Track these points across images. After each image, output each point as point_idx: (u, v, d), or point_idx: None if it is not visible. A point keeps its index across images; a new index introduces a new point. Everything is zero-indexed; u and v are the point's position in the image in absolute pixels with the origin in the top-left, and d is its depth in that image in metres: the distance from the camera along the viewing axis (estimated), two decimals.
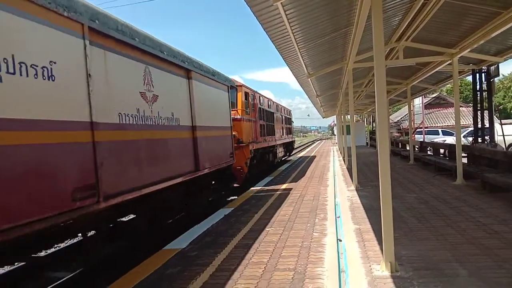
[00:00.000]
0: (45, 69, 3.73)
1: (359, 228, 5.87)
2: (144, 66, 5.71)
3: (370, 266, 4.23)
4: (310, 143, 61.62)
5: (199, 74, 7.96)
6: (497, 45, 9.87)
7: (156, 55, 6.05)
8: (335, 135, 52.67)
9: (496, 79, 14.51)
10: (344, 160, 17.79)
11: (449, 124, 33.38)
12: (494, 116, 14.88)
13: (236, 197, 10.66)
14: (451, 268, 4.00)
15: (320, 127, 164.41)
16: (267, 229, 6.20)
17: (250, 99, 14.02)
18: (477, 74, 13.68)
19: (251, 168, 13.40)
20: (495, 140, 13.89)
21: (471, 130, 17.72)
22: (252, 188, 11.07)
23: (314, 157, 23.64)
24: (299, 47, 8.17)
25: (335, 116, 35.49)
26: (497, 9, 7.22)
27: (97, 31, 4.59)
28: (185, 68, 7.24)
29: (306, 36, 7.79)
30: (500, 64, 12.39)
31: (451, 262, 4.18)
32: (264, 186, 11.36)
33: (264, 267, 4.41)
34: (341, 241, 5.28)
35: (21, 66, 3.44)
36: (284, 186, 11.07)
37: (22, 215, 3.34)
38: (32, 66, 3.57)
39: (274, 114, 19.44)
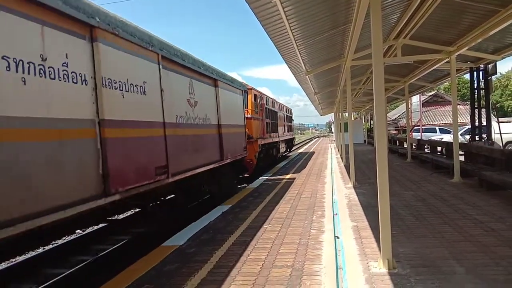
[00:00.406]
0: (141, 87, 5.62)
1: (356, 225, 5.89)
2: (189, 80, 7.58)
3: (367, 263, 4.24)
4: (308, 140, 61.69)
5: (223, 82, 9.71)
6: (495, 43, 9.89)
7: (196, 70, 7.89)
8: (332, 133, 52.80)
9: (493, 77, 14.54)
10: (341, 158, 17.83)
11: (447, 122, 33.44)
12: (492, 114, 14.90)
13: (246, 185, 12.27)
14: (448, 265, 4.02)
15: (318, 124, 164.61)
16: (265, 226, 6.21)
17: (258, 100, 15.79)
18: (475, 72, 13.71)
19: (259, 160, 15.08)
20: (492, 138, 13.93)
21: (468, 128, 17.76)
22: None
23: (312, 153, 24.74)
24: (297, 44, 8.17)
25: (333, 113, 35.52)
26: (495, 7, 7.23)
27: (165, 58, 6.42)
28: (213, 78, 9.01)
29: (304, 33, 7.78)
30: (497, 62, 12.44)
31: (448, 259, 4.19)
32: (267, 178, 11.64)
33: (262, 264, 4.42)
34: (338, 238, 5.29)
35: (131, 86, 5.36)
36: (283, 180, 11.13)
37: (138, 180, 5.36)
38: (136, 85, 5.49)
39: (278, 113, 21.25)
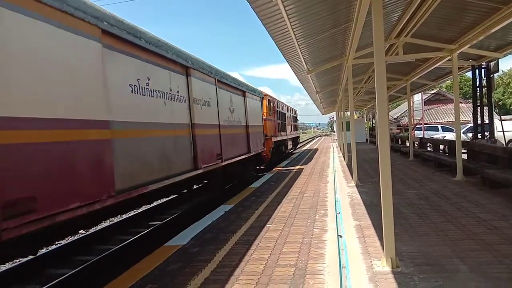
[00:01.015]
0: (208, 102, 8.57)
1: (359, 224, 5.89)
2: (229, 93, 10.60)
3: (371, 261, 4.24)
4: (310, 139, 61.67)
5: (249, 93, 12.75)
6: (497, 41, 9.87)
7: (234, 86, 11.02)
8: (334, 132, 52.76)
9: (495, 75, 14.51)
10: (344, 157, 17.80)
11: (449, 120, 33.34)
12: (494, 112, 14.88)
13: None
14: (452, 263, 4.02)
15: (319, 123, 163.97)
16: (267, 225, 6.21)
17: (271, 104, 18.77)
18: (477, 70, 13.68)
19: (272, 155, 17.72)
20: (494, 136, 13.91)
21: (470, 126, 17.73)
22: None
23: (316, 150, 27.43)
24: (298, 43, 8.16)
25: (334, 112, 35.48)
26: (496, 4, 7.21)
27: (219, 81, 9.47)
28: (243, 90, 12.09)
29: (306, 32, 7.78)
30: (499, 60, 12.42)
31: (452, 257, 4.19)
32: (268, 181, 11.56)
33: (265, 263, 4.42)
34: (341, 237, 5.29)
35: (204, 101, 8.27)
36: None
37: (209, 161, 8.27)
38: (206, 101, 8.39)
39: (285, 114, 24.43)
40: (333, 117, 55.10)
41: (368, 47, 9.19)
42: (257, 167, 16.20)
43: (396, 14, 8.26)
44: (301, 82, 15.19)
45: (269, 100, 18.30)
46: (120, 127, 5.01)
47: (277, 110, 20.79)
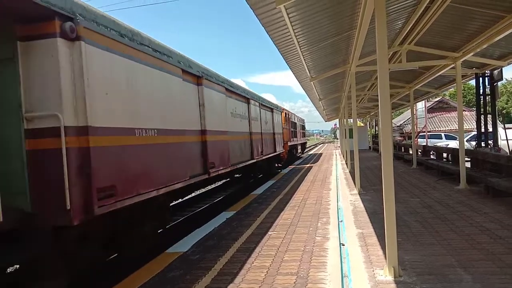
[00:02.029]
0: (257, 118, 13.48)
1: (362, 232, 5.84)
2: (265, 111, 15.10)
3: (373, 271, 4.20)
4: (313, 146, 61.69)
5: (274, 109, 17.52)
6: (501, 49, 9.85)
7: (267, 106, 15.85)
8: (337, 139, 52.86)
9: (499, 83, 14.47)
10: (346, 164, 17.75)
11: (452, 128, 33.24)
12: (498, 121, 14.80)
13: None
14: (455, 273, 3.97)
15: (322, 130, 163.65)
16: (269, 232, 6.18)
17: (286, 116, 23.89)
18: (480, 78, 13.65)
19: (287, 156, 23.17)
20: (498, 145, 13.82)
21: (474, 134, 17.65)
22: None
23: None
24: (302, 50, 8.17)
25: (337, 119, 35.44)
26: (500, 13, 7.20)
27: (261, 104, 14.12)
28: (271, 107, 16.72)
29: (309, 39, 7.79)
30: (503, 68, 12.38)
31: (455, 267, 4.14)
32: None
33: (267, 271, 4.38)
34: (344, 245, 5.25)
35: (255, 118, 13.12)
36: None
37: (259, 156, 13.17)
38: (255, 118, 13.12)
39: (296, 123, 29.79)
40: (336, 124, 55.13)
41: (371, 55, 9.19)
42: (277, 164, 19.99)
43: (399, 22, 8.27)
44: (304, 89, 15.19)
45: (285, 113, 23.61)
46: (210, 134, 8.12)
47: (291, 121, 26.07)
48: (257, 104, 13.63)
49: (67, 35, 3.98)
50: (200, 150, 7.65)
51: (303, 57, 8.79)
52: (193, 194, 12.06)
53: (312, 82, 12.13)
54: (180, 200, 9.68)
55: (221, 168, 8.74)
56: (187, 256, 5.17)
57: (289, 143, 23.83)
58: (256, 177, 15.81)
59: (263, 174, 16.41)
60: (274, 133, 16.79)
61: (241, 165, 10.75)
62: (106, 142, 4.52)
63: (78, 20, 4.13)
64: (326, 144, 70.16)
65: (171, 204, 9.00)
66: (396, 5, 7.13)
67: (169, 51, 6.48)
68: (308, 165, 20.12)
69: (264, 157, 13.90)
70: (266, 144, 14.71)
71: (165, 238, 7.18)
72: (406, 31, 8.53)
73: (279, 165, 20.25)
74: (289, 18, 6.03)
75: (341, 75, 12.36)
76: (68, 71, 4.04)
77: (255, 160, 12.47)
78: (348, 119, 24.54)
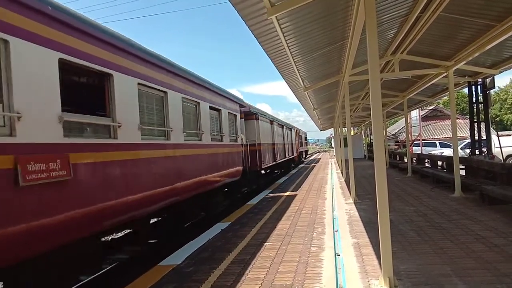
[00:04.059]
0: (283, 135, 23.65)
1: (357, 242, 5.80)
2: (282, 129, 23.40)
3: (368, 281, 4.16)
4: (309, 155, 61.90)
5: (291, 128, 28.90)
6: (492, 58, 9.95)
7: (288, 127, 27.21)
8: (333, 148, 53.32)
9: (492, 91, 14.58)
10: (342, 173, 17.74)
11: (446, 136, 33.43)
12: (491, 128, 14.90)
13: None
14: (451, 283, 3.94)
15: (318, 139, 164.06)
16: (264, 243, 6.12)
17: (297, 132, 34.02)
18: (473, 86, 13.75)
19: (297, 158, 33.78)
20: (492, 152, 13.88)
21: (468, 142, 17.73)
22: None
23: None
24: (295, 60, 8.20)
25: (332, 128, 35.55)
26: (489, 22, 7.28)
27: (273, 121, 19.77)
28: (290, 128, 28.29)
29: (302, 50, 7.82)
30: (495, 76, 12.47)
31: (451, 276, 4.11)
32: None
33: (261, 283, 4.33)
34: (339, 255, 5.20)
35: (280, 136, 22.49)
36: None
37: (282, 158, 22.56)
38: (280, 135, 22.55)
39: (302, 136, 42.99)
40: (331, 134, 55.57)
41: (364, 64, 9.24)
42: (292, 164, 28.98)
43: (391, 31, 8.34)
44: (298, 99, 15.25)
45: (296, 130, 33.65)
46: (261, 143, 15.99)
47: (299, 135, 37.45)
48: (284, 127, 23.97)
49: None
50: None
51: (296, 67, 8.83)
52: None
53: (306, 92, 12.17)
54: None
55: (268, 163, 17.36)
56: (181, 269, 5.10)
57: (299, 150, 36.09)
58: (280, 171, 23.26)
59: (285, 170, 24.32)
60: (292, 144, 28.15)
61: (281, 161, 21.29)
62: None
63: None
64: (322, 153, 70.25)
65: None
66: (388, 15, 7.20)
67: (266, 114, 17.60)
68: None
69: (287, 158, 24.60)
70: (289, 149, 25.88)
71: (158, 251, 7.10)
72: (399, 41, 8.60)
73: (292, 165, 29.58)
74: (281, 28, 6.06)
75: (335, 85, 12.42)
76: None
77: (286, 158, 23.97)
78: (343, 128, 24.65)
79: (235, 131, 11.79)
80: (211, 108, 9.35)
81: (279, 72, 9.46)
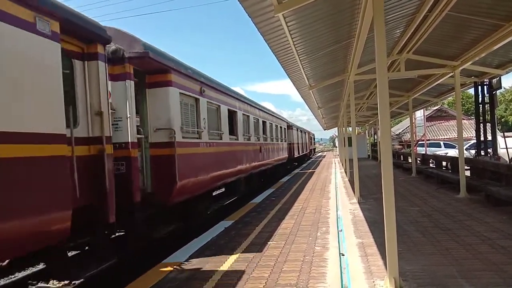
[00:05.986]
0: (299, 136, 33.18)
1: (362, 242, 5.78)
2: (302, 133, 36.89)
3: (373, 281, 4.13)
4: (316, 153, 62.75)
5: (308, 132, 45.94)
6: (499, 58, 9.87)
7: (304, 131, 39.88)
8: (336, 147, 53.76)
9: (498, 92, 14.47)
10: (345, 172, 17.70)
11: (451, 136, 33.28)
12: (497, 129, 14.80)
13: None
14: (457, 284, 3.91)
15: (321, 139, 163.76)
16: (268, 242, 6.10)
17: (309, 134, 46.98)
18: (479, 87, 13.66)
19: (309, 154, 47.45)
20: (498, 153, 13.79)
21: (473, 143, 17.63)
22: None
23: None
24: (300, 59, 8.16)
25: (336, 128, 35.48)
26: (498, 21, 7.21)
27: (301, 131, 35.63)
28: (305, 131, 41.51)
29: (308, 48, 7.78)
30: (502, 77, 12.38)
31: (457, 278, 4.08)
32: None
33: (265, 282, 4.31)
34: (343, 255, 5.18)
35: (298, 136, 32.93)
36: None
37: (297, 154, 30.93)
38: (299, 137, 32.80)
39: (312, 137, 54.76)
40: (335, 133, 55.93)
41: (370, 63, 9.19)
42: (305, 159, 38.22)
43: (398, 31, 8.28)
44: (303, 98, 15.18)
45: (308, 132, 43.58)
46: (293, 142, 28.32)
47: (309, 136, 47.24)
48: (302, 131, 33.43)
49: None
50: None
51: (302, 66, 8.79)
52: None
53: (311, 91, 12.12)
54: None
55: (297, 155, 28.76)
56: (184, 267, 5.09)
57: (310, 148, 47.15)
58: (295, 164, 29.39)
59: (299, 163, 31.61)
60: (306, 143, 38.05)
61: (302, 154, 33.18)
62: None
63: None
64: (325, 152, 70.37)
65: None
66: (395, 14, 7.14)
67: (295, 126, 30.46)
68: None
69: (305, 152, 35.00)
70: (305, 147, 36.09)
71: (162, 248, 7.09)
72: (405, 40, 8.53)
73: (306, 159, 38.06)
74: (287, 26, 6.02)
75: (340, 84, 12.36)
76: None
77: (304, 153, 35.65)
78: (347, 128, 24.57)
79: (285, 136, 22.92)
80: (272, 122, 18.21)
81: (285, 71, 9.41)
